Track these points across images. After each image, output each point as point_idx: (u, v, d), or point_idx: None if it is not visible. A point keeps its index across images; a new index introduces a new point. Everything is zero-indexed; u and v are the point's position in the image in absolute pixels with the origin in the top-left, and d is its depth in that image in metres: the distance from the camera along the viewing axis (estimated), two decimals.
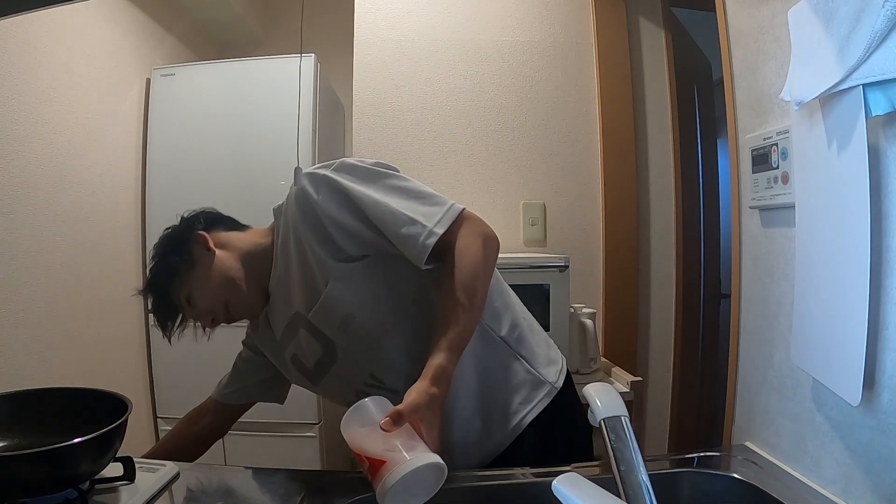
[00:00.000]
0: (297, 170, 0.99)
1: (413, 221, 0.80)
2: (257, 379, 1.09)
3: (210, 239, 0.93)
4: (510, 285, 1.19)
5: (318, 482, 0.83)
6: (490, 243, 0.84)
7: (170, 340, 0.94)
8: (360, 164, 0.87)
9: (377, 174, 0.87)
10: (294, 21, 2.49)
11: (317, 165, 0.89)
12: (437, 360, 0.73)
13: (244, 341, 1.09)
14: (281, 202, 0.94)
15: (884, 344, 0.65)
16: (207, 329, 0.95)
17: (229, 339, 1.91)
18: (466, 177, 1.84)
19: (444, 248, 0.81)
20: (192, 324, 0.96)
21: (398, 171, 0.89)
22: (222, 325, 0.94)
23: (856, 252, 0.66)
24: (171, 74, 1.94)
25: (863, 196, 0.64)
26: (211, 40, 2.43)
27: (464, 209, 0.85)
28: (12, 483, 0.68)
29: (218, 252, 0.92)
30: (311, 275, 0.85)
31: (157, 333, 1.92)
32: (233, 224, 1.01)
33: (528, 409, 0.91)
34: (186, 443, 1.10)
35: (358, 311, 0.85)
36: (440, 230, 0.80)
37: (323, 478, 0.85)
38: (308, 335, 0.90)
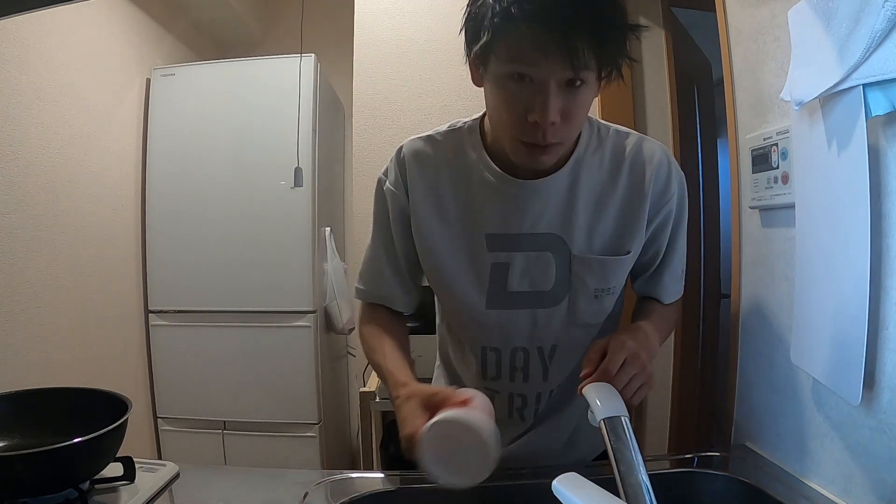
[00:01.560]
0: (298, 170, 0.98)
1: (684, 270, 0.89)
2: None
3: None
4: None
5: (318, 482, 0.83)
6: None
7: None
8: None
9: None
10: (294, 21, 2.49)
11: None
12: (651, 335, 0.76)
13: None
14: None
15: (884, 344, 0.65)
16: None
17: (229, 340, 1.92)
18: None
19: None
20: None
21: None
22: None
23: (856, 252, 0.66)
24: (172, 74, 1.95)
25: (863, 196, 0.64)
26: (211, 40, 2.43)
27: None
28: (12, 483, 0.68)
29: None
30: (627, 229, 0.80)
31: (157, 333, 1.94)
32: None
33: None
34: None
35: (621, 287, 0.85)
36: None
37: (323, 478, 0.85)
38: (548, 263, 0.79)
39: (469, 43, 0.69)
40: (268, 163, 1.90)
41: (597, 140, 0.80)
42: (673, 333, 1.95)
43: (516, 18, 0.61)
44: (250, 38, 2.48)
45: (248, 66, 1.98)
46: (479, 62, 0.69)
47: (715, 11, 1.03)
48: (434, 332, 0.99)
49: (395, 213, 0.84)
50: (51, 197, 1.45)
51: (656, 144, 0.82)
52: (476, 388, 0.82)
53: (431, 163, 0.82)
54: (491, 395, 0.83)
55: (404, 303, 0.89)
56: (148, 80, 1.95)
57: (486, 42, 0.65)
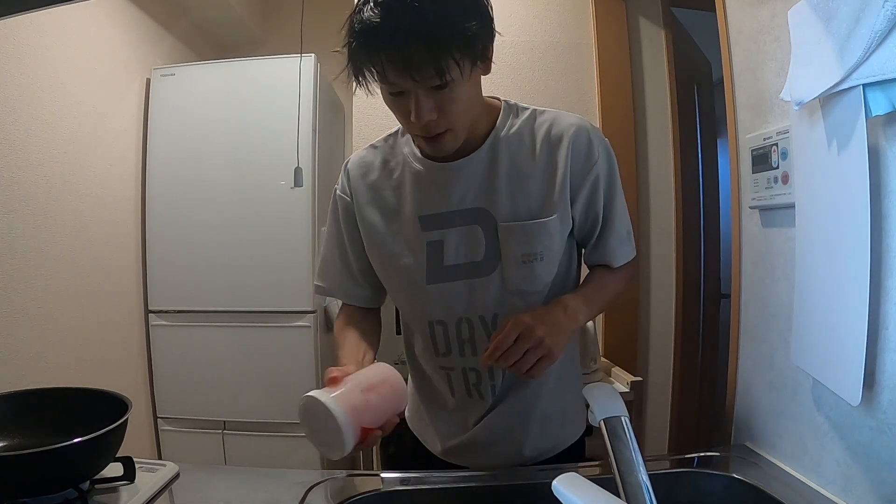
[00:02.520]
0: (298, 170, 1.00)
1: (630, 232, 0.93)
2: None
3: None
4: None
5: (318, 482, 0.83)
6: (628, 284, 0.98)
7: None
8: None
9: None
10: (294, 21, 2.49)
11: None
12: (575, 305, 0.83)
13: None
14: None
15: (884, 344, 0.65)
16: None
17: (229, 340, 1.92)
18: None
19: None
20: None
21: None
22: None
23: (856, 252, 0.66)
24: (172, 74, 1.95)
25: (863, 196, 0.64)
26: (211, 40, 2.43)
27: None
28: (12, 483, 0.68)
29: None
30: (545, 194, 0.84)
31: (157, 333, 1.94)
32: None
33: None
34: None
35: (555, 255, 0.86)
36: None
37: (323, 478, 0.85)
38: (477, 235, 0.85)
39: (356, 74, 0.77)
40: (268, 163, 1.90)
41: (514, 119, 0.88)
42: (673, 333, 1.95)
43: (367, 50, 0.72)
44: (250, 38, 2.48)
45: (248, 66, 1.98)
46: (371, 85, 0.78)
47: (715, 11, 1.03)
48: None
49: (342, 215, 0.95)
50: (51, 197, 1.45)
51: (574, 116, 0.87)
52: (432, 368, 0.94)
53: (371, 166, 0.94)
54: (447, 373, 0.92)
55: (357, 296, 0.98)
56: (148, 80, 1.95)
57: (360, 72, 0.75)
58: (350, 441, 0.64)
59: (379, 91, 0.79)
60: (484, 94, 0.85)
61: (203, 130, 1.93)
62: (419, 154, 0.89)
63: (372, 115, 1.89)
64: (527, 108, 0.89)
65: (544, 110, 0.89)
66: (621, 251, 0.90)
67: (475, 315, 0.87)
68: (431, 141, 0.79)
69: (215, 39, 2.44)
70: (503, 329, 0.75)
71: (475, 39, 0.72)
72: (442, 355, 0.91)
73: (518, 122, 0.87)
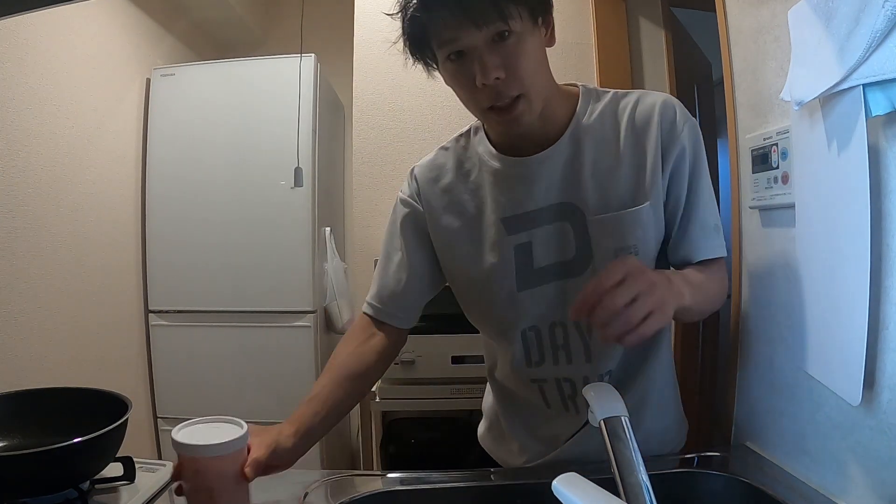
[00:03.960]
0: (298, 170, 0.98)
1: (719, 224, 0.80)
2: None
3: None
4: None
5: (318, 482, 0.83)
6: (724, 293, 0.83)
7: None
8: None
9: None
10: (294, 21, 2.49)
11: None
12: (681, 281, 0.67)
13: None
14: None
15: (884, 344, 0.65)
16: None
17: (229, 340, 1.92)
18: None
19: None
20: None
21: None
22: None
23: (856, 252, 0.66)
24: (172, 74, 1.95)
25: (863, 196, 0.64)
26: (211, 40, 2.43)
27: None
28: (12, 483, 0.68)
29: None
30: (635, 179, 0.77)
31: (157, 333, 1.94)
32: None
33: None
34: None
35: (650, 246, 0.78)
36: (726, 249, 0.81)
37: (323, 478, 0.85)
38: (566, 232, 0.79)
39: (413, 55, 0.75)
40: (268, 163, 1.90)
41: (594, 104, 0.81)
42: (673, 333, 1.95)
43: (421, 12, 0.69)
44: (250, 38, 2.48)
45: (248, 66, 1.98)
46: (431, 63, 0.75)
47: (715, 11, 1.03)
48: (438, 332, 1.00)
49: (407, 224, 0.87)
50: (51, 197, 1.45)
51: (660, 94, 0.80)
52: (524, 383, 0.86)
53: (443, 168, 0.86)
54: (539, 386, 0.84)
55: (394, 315, 0.89)
56: (148, 80, 1.95)
57: (418, 46, 0.73)
58: None
59: (436, 67, 0.75)
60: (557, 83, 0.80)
61: (203, 130, 1.93)
62: (495, 151, 0.82)
63: (372, 114, 1.89)
64: (607, 92, 0.82)
65: (627, 92, 0.81)
66: (705, 243, 0.78)
67: (569, 319, 0.80)
68: (504, 113, 0.71)
69: (215, 39, 2.44)
70: (604, 273, 0.60)
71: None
72: (535, 365, 0.84)
73: (600, 106, 0.80)
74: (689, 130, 0.78)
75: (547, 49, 0.78)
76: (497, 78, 0.68)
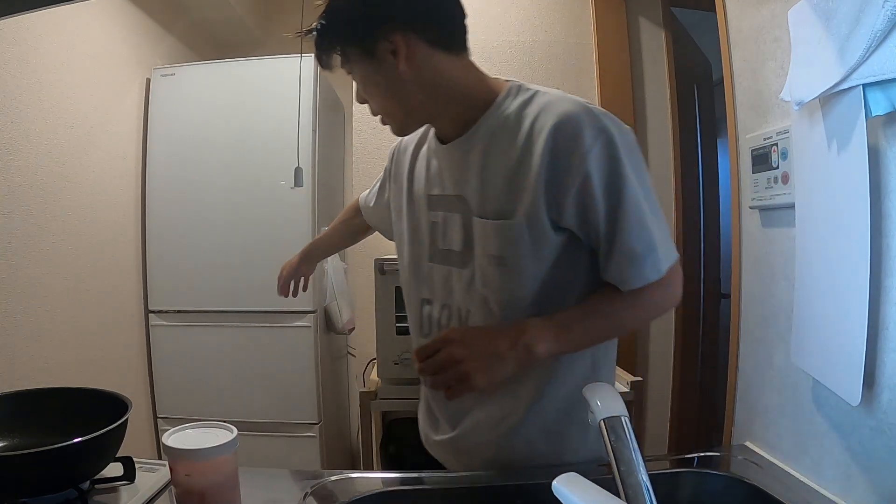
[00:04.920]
0: (298, 170, 1.00)
1: (651, 247, 0.74)
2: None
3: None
4: None
5: (318, 482, 0.83)
6: (650, 320, 0.88)
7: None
8: (627, 133, 0.75)
9: (637, 160, 0.75)
10: (294, 21, 2.49)
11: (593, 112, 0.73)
12: (536, 333, 0.73)
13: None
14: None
15: (884, 344, 0.65)
16: None
17: (229, 340, 1.92)
18: None
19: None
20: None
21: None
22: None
23: (856, 252, 0.66)
24: (172, 74, 1.94)
25: (863, 196, 0.64)
26: (211, 40, 2.43)
27: (678, 257, 0.79)
28: (12, 483, 0.68)
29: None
30: (516, 194, 0.76)
31: (157, 333, 1.94)
32: None
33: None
34: (348, 231, 1.25)
35: (530, 268, 0.77)
36: (663, 272, 0.75)
37: (323, 478, 0.85)
38: (457, 224, 0.82)
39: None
40: (268, 163, 1.90)
41: (509, 102, 0.79)
42: (673, 333, 1.95)
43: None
44: (250, 38, 2.48)
45: (248, 65, 1.98)
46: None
47: (715, 11, 1.03)
48: None
49: (388, 167, 1.03)
50: (51, 197, 1.45)
51: (571, 102, 0.74)
52: (416, 344, 0.91)
53: (409, 142, 0.95)
54: None
55: (374, 224, 1.14)
56: (148, 80, 1.95)
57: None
58: None
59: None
60: (495, 77, 0.82)
61: (203, 131, 1.93)
62: (432, 134, 0.89)
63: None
64: (529, 90, 0.79)
65: (546, 93, 0.78)
66: (631, 272, 0.74)
67: (454, 305, 0.84)
68: (382, 122, 0.85)
69: (215, 39, 2.44)
70: (436, 337, 0.73)
71: (353, 32, 0.76)
72: (425, 336, 0.88)
73: (512, 104, 0.78)
74: (598, 154, 0.71)
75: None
76: (361, 102, 0.84)
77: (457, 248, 0.82)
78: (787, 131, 0.84)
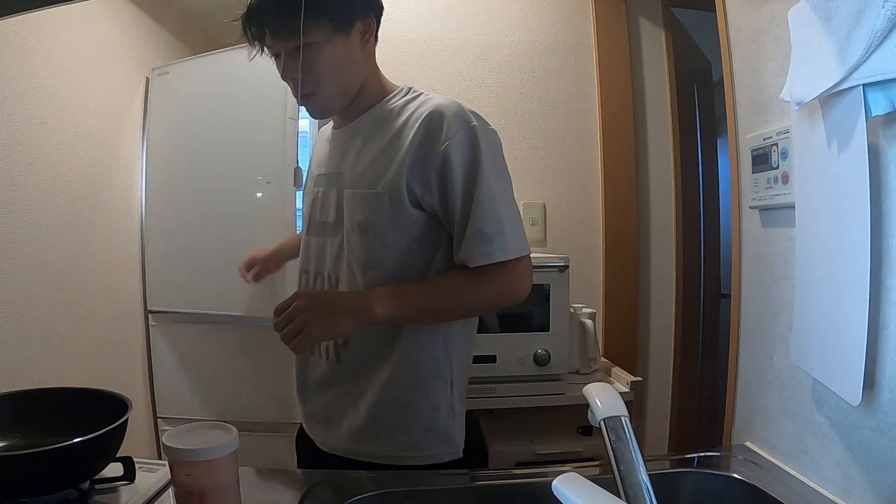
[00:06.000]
0: (297, 170, 1.00)
1: (500, 230, 0.82)
2: None
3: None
4: None
5: (319, 482, 0.83)
6: (493, 306, 0.92)
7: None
8: (491, 133, 0.86)
9: (499, 158, 0.87)
10: None
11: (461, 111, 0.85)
12: (378, 295, 0.82)
13: None
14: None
15: (884, 344, 0.65)
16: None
17: (229, 340, 1.92)
18: None
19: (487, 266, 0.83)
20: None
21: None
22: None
23: (856, 252, 0.66)
24: (166, 73, 1.94)
25: (863, 196, 0.64)
26: (210, 39, 2.42)
27: (529, 256, 0.86)
28: (12, 483, 0.68)
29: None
30: (384, 167, 0.85)
31: (157, 333, 1.94)
32: None
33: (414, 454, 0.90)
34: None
35: (389, 234, 0.85)
36: (510, 256, 0.82)
37: (323, 478, 0.85)
38: (332, 197, 0.93)
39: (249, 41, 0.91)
40: (267, 163, 1.89)
41: (398, 99, 0.91)
42: (673, 333, 1.95)
43: (246, 22, 0.87)
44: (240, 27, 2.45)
45: (247, 65, 1.97)
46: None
47: (715, 11, 1.03)
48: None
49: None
50: (51, 197, 1.45)
51: (446, 99, 0.85)
52: None
53: (326, 130, 1.05)
54: None
55: None
56: (147, 80, 1.95)
57: (256, 43, 0.88)
58: None
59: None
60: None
61: (201, 130, 1.92)
62: (331, 121, 1.01)
63: None
64: (419, 93, 0.91)
65: (433, 97, 0.88)
66: (480, 249, 0.81)
67: (325, 272, 0.93)
68: (303, 101, 0.87)
69: (206, 31, 2.41)
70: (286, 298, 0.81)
71: (333, 6, 0.82)
72: None
73: (399, 101, 0.90)
74: (459, 141, 0.81)
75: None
76: (293, 78, 0.84)
77: (330, 220, 0.92)
78: (787, 131, 0.84)
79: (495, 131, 0.87)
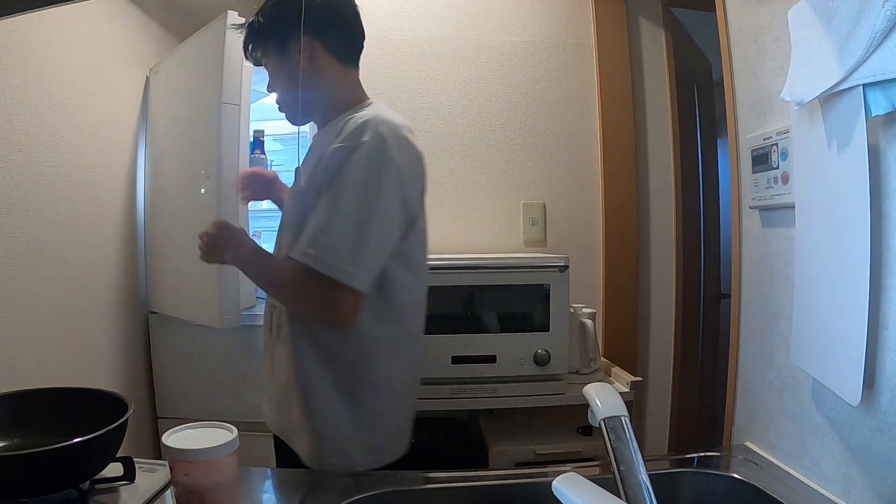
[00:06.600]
0: (298, 170, 1.01)
1: (316, 238, 0.86)
2: None
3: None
4: (511, 285, 1.31)
5: (318, 482, 0.83)
6: (310, 313, 0.94)
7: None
8: (382, 156, 0.89)
9: (371, 179, 0.88)
10: None
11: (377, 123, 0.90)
12: (252, 251, 0.98)
13: None
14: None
15: (884, 344, 0.65)
16: None
17: (229, 340, 1.92)
18: (466, 177, 1.84)
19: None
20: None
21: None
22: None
23: (856, 252, 0.66)
24: (158, 72, 1.94)
25: (863, 196, 0.64)
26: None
27: (359, 293, 0.86)
28: (12, 483, 0.68)
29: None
30: (311, 163, 0.99)
31: (157, 333, 1.94)
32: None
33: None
34: None
35: (294, 211, 0.99)
36: (321, 269, 0.84)
37: (322, 478, 0.85)
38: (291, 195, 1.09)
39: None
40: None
41: (355, 111, 0.96)
42: (673, 333, 1.95)
43: (242, 43, 1.05)
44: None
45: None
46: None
47: (715, 11, 1.03)
48: (438, 332, 1.18)
49: None
50: (51, 197, 1.45)
51: (374, 115, 0.90)
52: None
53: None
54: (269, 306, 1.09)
55: None
56: (147, 79, 1.95)
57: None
58: None
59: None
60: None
61: (199, 129, 1.92)
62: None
63: None
64: (374, 105, 1.01)
65: (377, 109, 0.96)
66: (298, 245, 0.87)
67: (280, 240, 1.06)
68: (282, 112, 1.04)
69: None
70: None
71: (275, 30, 0.97)
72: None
73: (357, 112, 0.95)
74: (347, 148, 0.86)
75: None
76: (272, 91, 1.04)
77: (285, 216, 1.06)
78: (787, 131, 0.84)
79: (414, 163, 0.95)
